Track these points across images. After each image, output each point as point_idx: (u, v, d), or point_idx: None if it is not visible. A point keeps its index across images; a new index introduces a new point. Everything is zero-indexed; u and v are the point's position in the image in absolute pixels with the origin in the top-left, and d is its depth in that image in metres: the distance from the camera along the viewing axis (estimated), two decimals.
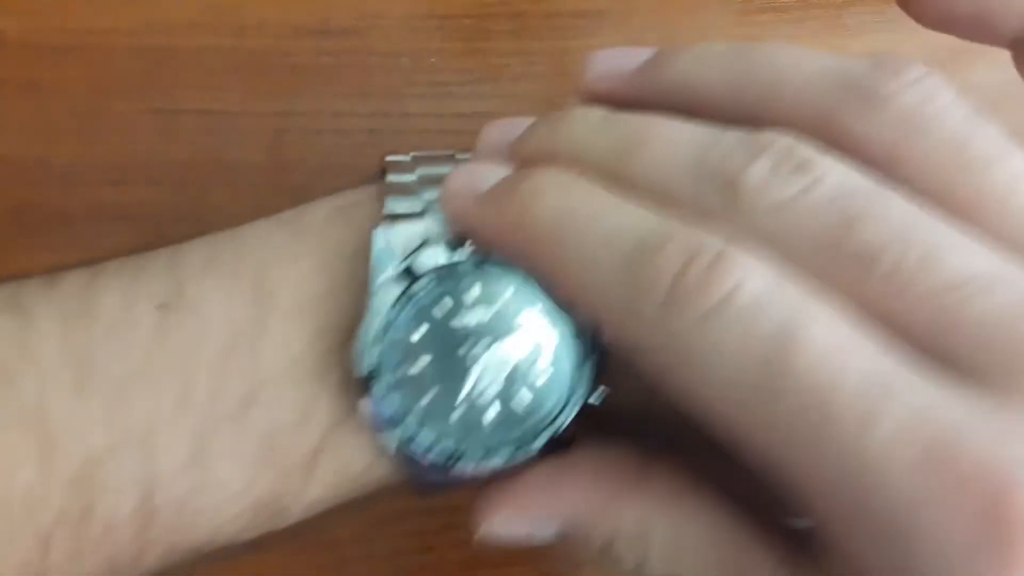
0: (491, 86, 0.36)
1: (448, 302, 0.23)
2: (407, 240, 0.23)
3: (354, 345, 0.22)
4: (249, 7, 0.36)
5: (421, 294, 0.22)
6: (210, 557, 0.23)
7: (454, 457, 0.22)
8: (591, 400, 0.22)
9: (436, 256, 0.23)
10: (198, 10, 0.36)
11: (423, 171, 0.23)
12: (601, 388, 0.23)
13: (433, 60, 0.36)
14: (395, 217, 0.23)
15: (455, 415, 0.22)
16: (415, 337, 0.22)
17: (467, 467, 0.22)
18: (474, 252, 0.23)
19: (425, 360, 0.22)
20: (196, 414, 0.22)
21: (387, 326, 0.22)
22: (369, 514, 0.26)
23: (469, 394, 0.22)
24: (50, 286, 0.22)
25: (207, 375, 0.22)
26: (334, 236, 0.23)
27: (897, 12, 0.37)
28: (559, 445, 0.23)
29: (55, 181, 0.35)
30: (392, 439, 0.22)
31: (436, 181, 0.23)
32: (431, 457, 0.22)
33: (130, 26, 0.35)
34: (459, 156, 0.24)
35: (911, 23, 0.37)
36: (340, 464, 0.23)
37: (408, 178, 0.23)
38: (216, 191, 0.35)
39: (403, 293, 0.22)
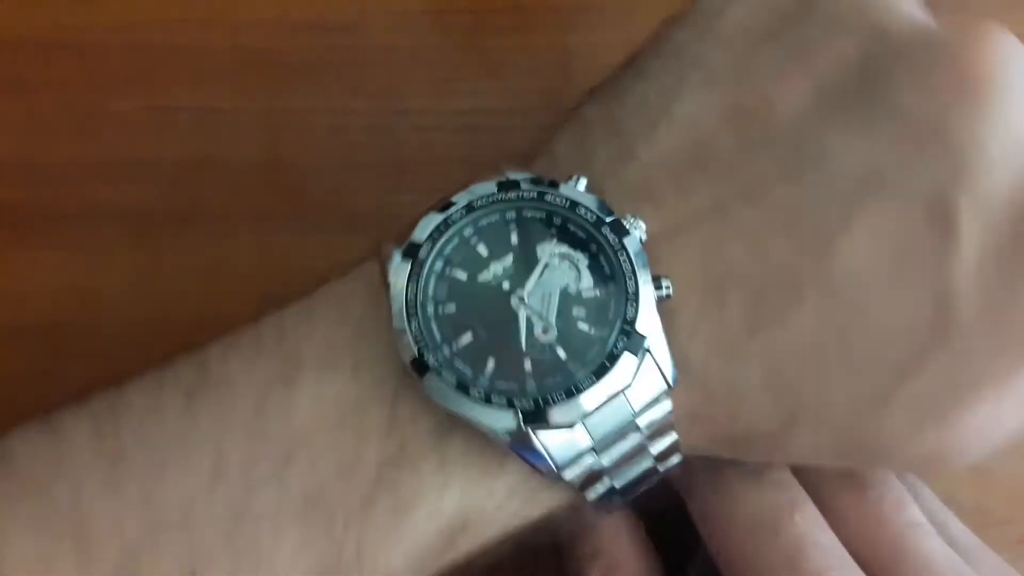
0: (491, 82, 0.36)
1: (463, 259, 0.22)
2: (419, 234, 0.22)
3: (394, 337, 0.21)
4: (243, 3, 0.35)
5: (431, 259, 0.22)
6: None
7: (544, 399, 0.21)
8: (662, 293, 0.22)
9: (428, 223, 0.22)
10: (191, 6, 0.35)
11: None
12: (664, 280, 0.22)
13: (432, 55, 0.36)
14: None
15: (527, 363, 0.22)
16: (450, 307, 0.22)
17: (570, 403, 0.21)
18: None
19: (471, 324, 0.22)
20: (232, 483, 0.21)
21: (414, 302, 0.21)
22: None
23: (529, 337, 0.22)
24: (79, 404, 0.22)
25: (239, 442, 0.21)
26: (346, 291, 0.23)
27: None
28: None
29: (47, 180, 0.34)
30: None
31: None
32: (522, 405, 0.21)
33: (123, 22, 0.35)
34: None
35: None
36: (401, 504, 0.21)
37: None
38: (210, 189, 0.34)
39: (412, 266, 0.22)
